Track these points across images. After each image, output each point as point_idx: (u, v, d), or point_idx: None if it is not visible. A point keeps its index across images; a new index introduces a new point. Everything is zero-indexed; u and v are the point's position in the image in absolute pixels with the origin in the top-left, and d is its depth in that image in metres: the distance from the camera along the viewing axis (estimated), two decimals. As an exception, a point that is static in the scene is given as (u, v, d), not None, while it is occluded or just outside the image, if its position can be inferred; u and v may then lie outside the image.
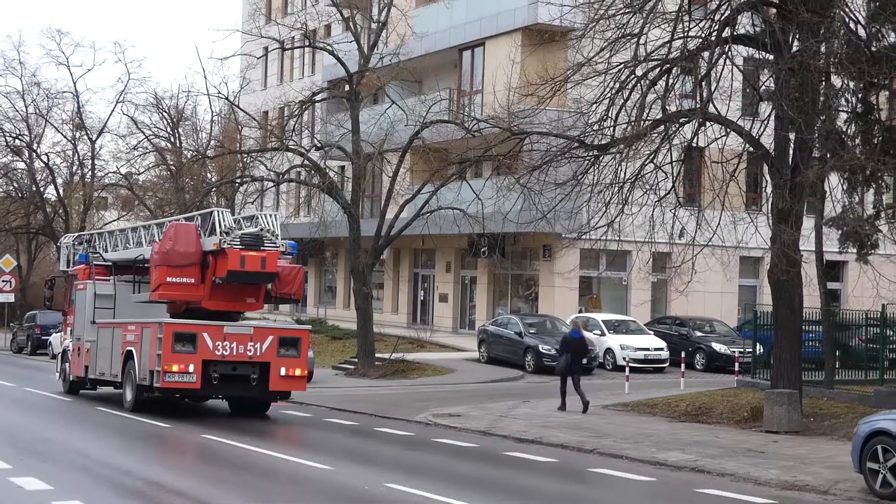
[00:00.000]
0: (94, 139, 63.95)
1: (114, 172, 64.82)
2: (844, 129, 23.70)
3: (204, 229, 24.35)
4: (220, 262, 23.79)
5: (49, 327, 51.92)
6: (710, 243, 24.47)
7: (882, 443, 15.42)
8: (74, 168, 66.03)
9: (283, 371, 24.14)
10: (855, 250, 26.32)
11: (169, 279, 24.09)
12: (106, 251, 28.97)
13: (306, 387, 25.53)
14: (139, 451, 19.79)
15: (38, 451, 18.63)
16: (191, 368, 23.33)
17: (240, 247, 23.48)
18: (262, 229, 23.87)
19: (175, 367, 23.24)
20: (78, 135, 64.69)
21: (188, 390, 24.12)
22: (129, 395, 25.20)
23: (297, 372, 24.39)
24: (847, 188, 24.28)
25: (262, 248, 23.66)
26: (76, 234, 33.58)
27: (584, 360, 28.21)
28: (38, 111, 64.51)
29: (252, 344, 23.91)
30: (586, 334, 38.09)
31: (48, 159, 65.55)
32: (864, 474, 15.72)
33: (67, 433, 21.65)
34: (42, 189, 66.11)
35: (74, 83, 65.04)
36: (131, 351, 24.91)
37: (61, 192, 65.91)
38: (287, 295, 25.81)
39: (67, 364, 29.65)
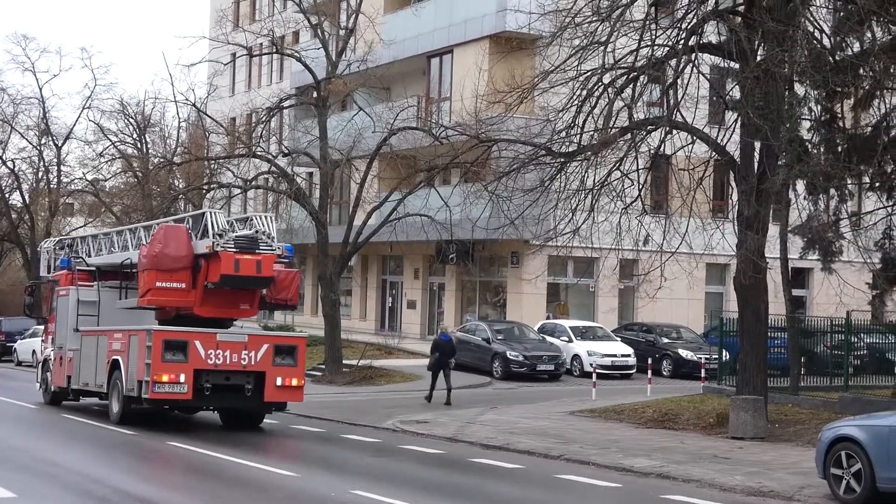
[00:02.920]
0: (60, 145, 63.58)
1: (80, 179, 64.46)
2: (809, 137, 23.90)
3: (195, 231, 23.29)
4: (213, 266, 22.67)
5: (14, 334, 51.56)
6: (677, 250, 24.60)
7: (846, 449, 15.52)
8: (40, 174, 65.59)
9: (279, 381, 23.10)
10: (817, 257, 26.51)
11: (158, 284, 22.95)
12: (89, 255, 27.92)
13: (303, 397, 24.26)
14: (109, 459, 19.64)
15: (7, 458, 18.45)
16: (182, 378, 22.19)
17: (234, 250, 22.42)
18: (257, 231, 22.94)
19: (165, 377, 22.09)
20: (44, 141, 64.26)
21: (179, 401, 23.03)
22: (115, 407, 24.02)
23: (294, 382, 23.33)
24: (811, 196, 24.47)
25: (257, 251, 22.64)
26: (57, 239, 32.37)
27: (452, 359, 30.95)
28: (3, 117, 64.05)
29: (246, 352, 22.87)
30: (553, 340, 38.52)
31: (14, 165, 65.11)
32: (828, 480, 15.82)
33: (42, 443, 21.33)
34: (7, 195, 65.63)
35: (40, 89, 64.44)
36: (118, 360, 23.76)
37: (27, 198, 65.45)
38: (283, 301, 24.59)
39: (49, 374, 28.36)
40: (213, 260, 22.67)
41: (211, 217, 23.00)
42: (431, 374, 30.18)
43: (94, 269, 27.29)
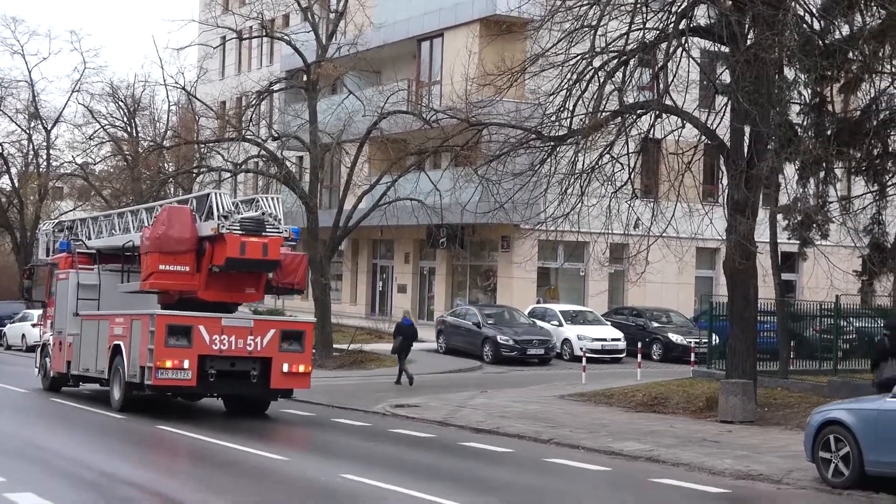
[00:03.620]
0: (49, 129, 63.44)
1: (69, 162, 64.33)
2: (800, 122, 23.90)
3: (199, 213, 22.53)
4: (218, 249, 22.01)
5: (3, 318, 51.41)
6: (665, 234, 24.61)
7: (834, 432, 15.57)
8: (29, 158, 65.43)
9: (285, 367, 22.43)
10: (802, 241, 26.52)
11: (162, 267, 22.23)
12: (89, 238, 27.12)
13: (310, 384, 23.56)
14: (104, 445, 19.60)
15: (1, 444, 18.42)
16: (186, 364, 21.56)
17: (240, 232, 21.71)
18: (263, 213, 22.18)
19: (168, 363, 21.46)
20: (33, 124, 64.10)
21: (182, 388, 22.41)
22: (116, 394, 23.43)
23: (301, 368, 22.66)
24: (800, 179, 24.49)
25: (263, 233, 21.92)
26: (56, 221, 31.51)
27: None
28: (-9, 100, 63.82)
29: (252, 338, 22.20)
30: (543, 324, 38.58)
31: (2, 149, 64.86)
32: (816, 463, 15.87)
33: (38, 429, 21.15)
34: (-4, 179, 65.52)
35: (29, 72, 64.40)
36: (119, 345, 23.13)
37: (16, 182, 65.29)
38: (290, 285, 24.04)
39: (48, 359, 27.70)
40: (218, 242, 22.06)
41: (216, 198, 22.26)
42: (398, 357, 31.02)
43: (94, 251, 26.63)
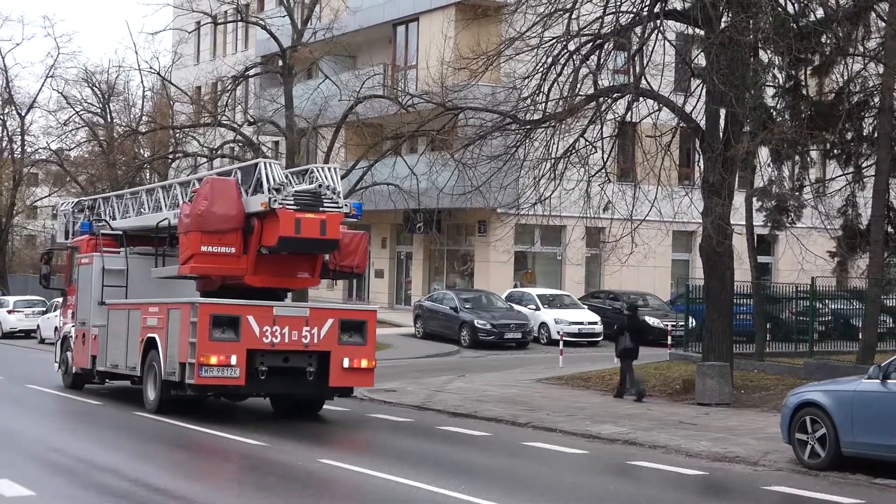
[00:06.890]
0: (23, 114, 63.13)
1: (44, 148, 64.09)
2: (774, 105, 23.97)
3: (245, 186, 19.88)
4: (269, 227, 19.33)
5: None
6: (645, 218, 24.63)
7: (810, 414, 15.63)
8: (3, 144, 65.09)
9: (346, 362, 19.79)
10: (773, 223, 26.65)
11: (203, 248, 19.50)
12: (114, 218, 24.53)
13: (373, 381, 21.11)
14: (75, 430, 19.53)
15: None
16: (233, 360, 18.97)
17: (294, 207, 19.02)
18: (320, 185, 19.54)
19: (213, 359, 18.88)
20: (7, 110, 63.77)
21: (229, 387, 19.70)
22: (151, 394, 20.71)
23: (364, 363, 20.00)
24: (774, 162, 24.58)
25: (321, 208, 19.31)
26: (76, 200, 28.76)
27: None
28: (-35, 87, 63.39)
29: (308, 329, 19.55)
30: (520, 308, 38.62)
31: (-24, 136, 64.60)
32: (792, 445, 15.93)
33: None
34: (-30, 165, 65.11)
35: (3, 58, 63.79)
36: (154, 339, 20.48)
37: (-10, 168, 65.00)
38: (349, 268, 21.31)
39: (69, 353, 24.92)
40: (268, 219, 19.39)
41: (265, 168, 19.57)
42: None
43: (119, 233, 24.06)
